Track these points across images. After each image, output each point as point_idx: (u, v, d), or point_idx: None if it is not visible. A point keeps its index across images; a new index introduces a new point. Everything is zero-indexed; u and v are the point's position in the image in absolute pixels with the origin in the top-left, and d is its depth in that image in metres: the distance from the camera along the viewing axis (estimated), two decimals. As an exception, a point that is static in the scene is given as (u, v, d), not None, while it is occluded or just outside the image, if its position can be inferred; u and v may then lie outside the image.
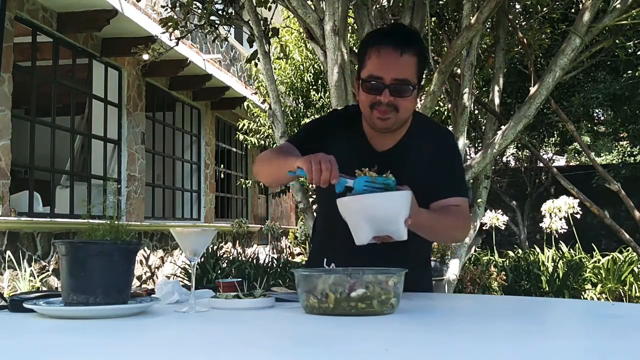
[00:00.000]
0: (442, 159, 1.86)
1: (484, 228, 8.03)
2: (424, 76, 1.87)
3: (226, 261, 7.58)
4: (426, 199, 1.75)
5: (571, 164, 16.41)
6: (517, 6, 5.59)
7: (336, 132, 1.88)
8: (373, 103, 1.75)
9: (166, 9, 4.35)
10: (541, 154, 11.12)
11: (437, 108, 7.89)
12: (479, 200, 4.56)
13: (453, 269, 4.55)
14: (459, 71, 4.46)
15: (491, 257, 8.09)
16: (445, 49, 4.76)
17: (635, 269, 7.21)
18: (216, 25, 4.26)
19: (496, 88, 4.73)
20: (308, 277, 1.40)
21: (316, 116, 8.87)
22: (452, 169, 1.89)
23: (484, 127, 5.01)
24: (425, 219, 1.65)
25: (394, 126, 1.80)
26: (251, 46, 4.21)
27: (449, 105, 5.29)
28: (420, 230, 1.69)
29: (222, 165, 12.71)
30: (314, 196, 7.18)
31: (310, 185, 7.82)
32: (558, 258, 7.57)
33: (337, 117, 1.99)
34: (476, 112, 7.15)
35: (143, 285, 8.39)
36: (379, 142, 1.85)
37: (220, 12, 4.17)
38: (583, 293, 7.03)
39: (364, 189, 1.57)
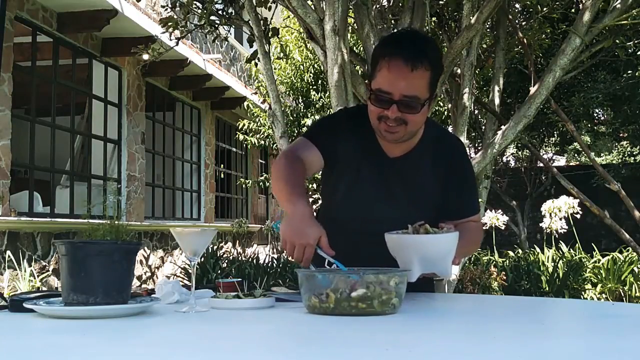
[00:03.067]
0: (459, 174, 1.86)
1: (484, 228, 8.02)
2: (438, 85, 1.83)
3: (226, 261, 7.57)
4: (437, 205, 1.77)
5: (571, 164, 16.42)
6: (517, 6, 5.59)
7: (348, 133, 1.85)
8: (381, 116, 1.72)
9: (166, 9, 4.35)
10: (541, 154, 11.12)
11: (437, 108, 7.90)
12: (479, 200, 4.56)
13: (453, 269, 4.54)
14: (459, 71, 4.46)
15: (491, 257, 8.08)
16: (445, 49, 4.76)
17: (635, 269, 7.20)
18: (216, 25, 4.26)
19: (496, 88, 4.73)
20: (310, 276, 1.40)
21: (316, 116, 8.86)
22: (469, 185, 1.91)
23: (484, 127, 5.01)
24: (460, 250, 1.64)
25: (403, 138, 1.77)
26: (251, 46, 4.21)
27: (449, 105, 5.29)
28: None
29: (222, 165, 12.71)
30: (314, 196, 7.17)
31: (311, 185, 7.81)
32: (558, 258, 7.57)
33: (349, 118, 1.93)
34: (476, 112, 7.15)
35: (143, 285, 8.40)
36: (391, 148, 1.83)
37: (220, 12, 4.17)
38: (583, 293, 7.02)
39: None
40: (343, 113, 2.10)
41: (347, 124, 1.89)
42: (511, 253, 8.36)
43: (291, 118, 9.03)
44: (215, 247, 7.75)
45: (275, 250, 13.25)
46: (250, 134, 10.19)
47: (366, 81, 1.88)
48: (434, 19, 4.82)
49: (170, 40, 4.66)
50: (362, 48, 4.35)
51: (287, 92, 9.34)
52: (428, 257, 1.55)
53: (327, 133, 1.86)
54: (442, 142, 1.88)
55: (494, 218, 8.11)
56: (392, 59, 1.66)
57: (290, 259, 1.55)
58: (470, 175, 1.94)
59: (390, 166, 1.83)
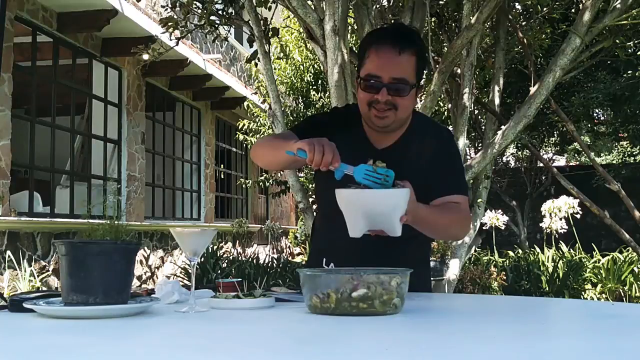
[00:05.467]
0: (442, 157, 1.87)
1: (484, 228, 8.02)
2: (423, 76, 1.88)
3: (226, 261, 7.57)
4: (426, 196, 1.76)
5: (571, 164, 16.40)
6: (517, 6, 5.59)
7: (337, 129, 1.88)
8: (371, 101, 1.77)
9: (166, 9, 4.35)
10: (541, 154, 11.12)
11: (437, 108, 7.89)
12: (479, 200, 4.56)
13: (453, 269, 4.54)
14: (459, 71, 4.46)
15: (491, 257, 8.08)
16: (445, 49, 4.76)
17: (635, 269, 7.21)
18: (216, 25, 4.25)
19: (496, 88, 4.73)
20: (311, 276, 1.40)
21: (316, 116, 8.85)
22: (452, 167, 1.90)
23: (484, 127, 5.01)
24: (424, 215, 1.65)
25: (393, 125, 1.81)
26: (251, 46, 4.21)
27: (449, 105, 5.29)
28: (420, 227, 1.69)
29: (222, 165, 12.71)
30: (314, 196, 7.17)
31: (311, 185, 7.81)
32: (558, 258, 7.57)
33: (338, 115, 2.00)
34: (476, 112, 7.15)
35: (143, 285, 8.40)
36: (379, 140, 1.87)
37: (220, 12, 4.17)
38: (583, 293, 7.02)
39: (364, 178, 1.57)
40: (332, 111, 2.13)
41: (336, 121, 1.93)
42: (511, 253, 8.36)
43: (291, 118, 9.02)
44: (215, 247, 7.76)
45: (275, 250, 13.25)
46: (250, 134, 10.19)
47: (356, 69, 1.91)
48: (434, 19, 4.82)
49: (170, 40, 4.65)
50: (362, 48, 4.35)
51: (287, 92, 9.33)
52: (373, 213, 1.52)
53: (314, 130, 1.88)
54: (429, 131, 1.92)
55: (494, 218, 8.11)
56: (380, 45, 1.75)
57: (311, 164, 1.56)
58: (456, 158, 1.95)
59: (378, 157, 1.85)
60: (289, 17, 8.14)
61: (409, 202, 1.54)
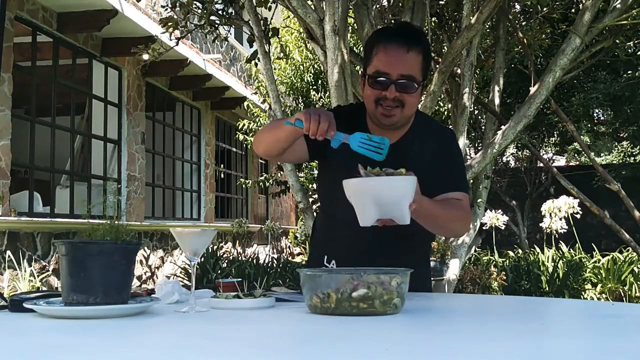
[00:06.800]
0: (444, 156, 1.88)
1: (484, 228, 8.02)
2: (428, 75, 1.88)
3: (226, 261, 7.57)
4: (428, 194, 1.76)
5: (571, 164, 16.41)
6: (517, 6, 5.59)
7: (341, 128, 1.88)
8: (378, 98, 1.77)
9: (166, 9, 4.35)
10: (541, 154, 11.12)
11: (437, 108, 7.88)
12: (479, 200, 4.56)
13: (453, 269, 4.55)
14: (459, 71, 4.46)
15: (491, 257, 8.08)
16: (445, 49, 4.76)
17: (635, 269, 7.21)
18: (216, 25, 4.26)
19: (496, 88, 4.73)
20: (311, 276, 1.40)
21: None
22: (453, 165, 1.91)
23: (484, 127, 5.02)
24: (427, 207, 1.65)
25: (399, 122, 1.81)
26: (251, 46, 4.21)
27: (449, 105, 5.29)
28: (422, 219, 1.69)
29: (222, 165, 12.71)
30: (314, 196, 7.17)
31: (311, 185, 7.80)
32: (558, 258, 7.57)
33: (341, 113, 1.98)
34: (476, 112, 7.16)
35: (143, 285, 8.39)
36: None
37: (220, 12, 4.17)
38: (583, 293, 7.02)
39: (360, 146, 1.61)
40: (335, 109, 2.12)
41: (340, 119, 1.91)
42: (511, 253, 8.36)
43: (291, 118, 9.00)
44: (215, 247, 7.76)
45: (275, 250, 13.26)
46: (250, 134, 10.18)
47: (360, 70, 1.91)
48: (434, 19, 4.82)
49: (170, 40, 4.65)
50: (362, 48, 4.35)
51: (287, 92, 9.33)
52: (382, 201, 1.52)
53: None
54: (431, 130, 1.93)
55: (494, 218, 8.11)
56: (389, 43, 1.77)
57: (307, 133, 1.58)
58: (458, 157, 1.96)
59: None
60: (289, 17, 8.15)
61: (415, 192, 1.54)
